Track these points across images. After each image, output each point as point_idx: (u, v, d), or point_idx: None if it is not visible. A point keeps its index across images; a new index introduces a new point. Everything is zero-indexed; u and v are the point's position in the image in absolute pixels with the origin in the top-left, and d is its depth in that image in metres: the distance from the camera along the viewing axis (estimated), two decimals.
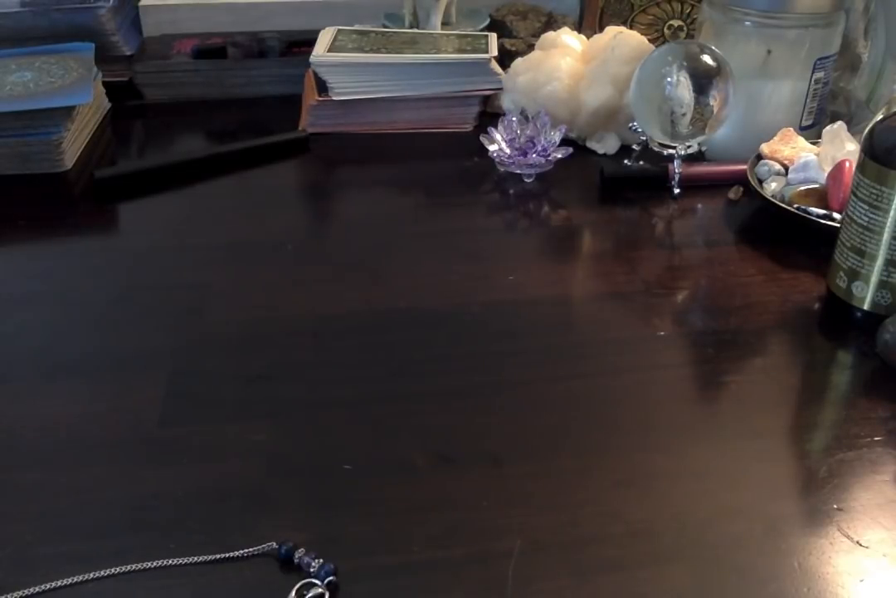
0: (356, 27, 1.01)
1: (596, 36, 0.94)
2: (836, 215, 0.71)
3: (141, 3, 1.09)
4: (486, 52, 0.94)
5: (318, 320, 0.65)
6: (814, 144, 0.81)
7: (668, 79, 0.77)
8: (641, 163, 0.85)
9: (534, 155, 0.83)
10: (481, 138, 0.85)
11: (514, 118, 0.84)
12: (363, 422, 0.55)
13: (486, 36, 0.99)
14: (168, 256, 0.73)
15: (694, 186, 0.82)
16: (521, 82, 0.91)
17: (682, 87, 0.77)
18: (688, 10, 1.03)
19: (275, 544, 0.46)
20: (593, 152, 0.90)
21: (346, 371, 0.60)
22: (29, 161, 0.84)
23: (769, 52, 0.82)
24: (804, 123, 0.87)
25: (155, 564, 0.45)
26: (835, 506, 0.49)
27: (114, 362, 0.60)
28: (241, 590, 0.44)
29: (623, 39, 0.89)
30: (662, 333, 0.64)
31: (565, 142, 0.85)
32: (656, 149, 0.83)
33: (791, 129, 0.82)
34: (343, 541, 0.47)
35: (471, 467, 0.52)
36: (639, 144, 0.85)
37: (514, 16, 1.10)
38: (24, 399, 0.57)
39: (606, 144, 0.90)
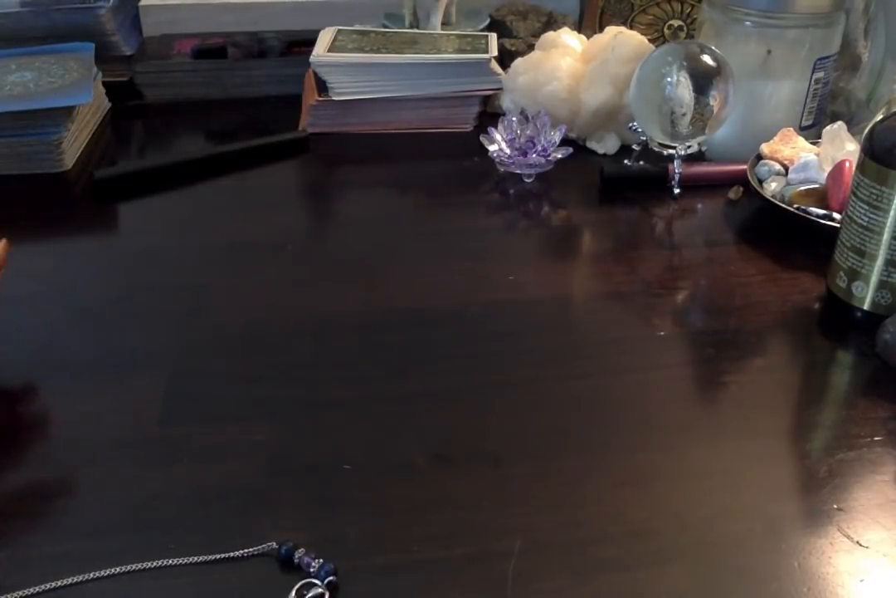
0: (356, 27, 1.01)
1: (596, 36, 0.94)
2: (836, 215, 0.71)
3: (141, 3, 1.09)
4: (486, 52, 0.94)
5: (318, 319, 0.65)
6: (814, 144, 0.81)
7: (668, 79, 0.77)
8: (641, 163, 0.85)
9: (534, 155, 0.83)
10: (481, 138, 0.85)
11: (514, 118, 0.84)
12: (363, 422, 0.55)
13: (486, 36, 0.99)
14: (168, 256, 0.73)
15: (694, 186, 0.82)
16: (521, 82, 0.91)
17: (682, 87, 0.77)
18: (688, 10, 1.03)
19: (275, 544, 0.46)
20: (593, 152, 0.90)
21: (346, 371, 0.60)
22: (29, 161, 0.84)
23: (769, 52, 0.82)
24: (804, 123, 0.87)
25: (155, 564, 0.45)
26: (835, 506, 0.49)
27: (114, 362, 0.60)
28: (241, 590, 0.44)
29: (623, 39, 0.89)
30: (662, 333, 0.64)
31: (565, 142, 0.85)
32: (656, 149, 0.83)
33: (791, 129, 0.82)
34: (343, 541, 0.47)
35: (471, 467, 0.52)
36: (639, 144, 0.85)
37: (514, 16, 1.10)
38: (24, 399, 0.57)
39: (606, 144, 0.90)
